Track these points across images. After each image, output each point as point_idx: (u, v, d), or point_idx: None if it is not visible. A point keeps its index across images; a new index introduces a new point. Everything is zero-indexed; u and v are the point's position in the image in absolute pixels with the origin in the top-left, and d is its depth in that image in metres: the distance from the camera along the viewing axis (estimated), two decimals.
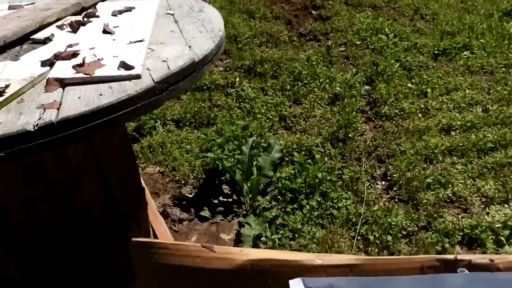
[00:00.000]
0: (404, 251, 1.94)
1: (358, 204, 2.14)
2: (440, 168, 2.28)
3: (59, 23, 1.47)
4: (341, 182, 2.25)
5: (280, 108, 2.76)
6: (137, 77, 1.03)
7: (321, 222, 2.06)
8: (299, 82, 2.97)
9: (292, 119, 2.70)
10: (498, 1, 3.83)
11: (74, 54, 1.13)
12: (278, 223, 2.04)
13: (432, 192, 2.17)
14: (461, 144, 2.39)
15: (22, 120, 0.89)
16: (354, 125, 2.54)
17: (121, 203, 1.55)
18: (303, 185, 2.14)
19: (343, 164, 2.35)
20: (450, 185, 2.18)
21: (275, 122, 2.68)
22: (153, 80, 1.02)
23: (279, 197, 2.14)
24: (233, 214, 2.11)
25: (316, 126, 2.61)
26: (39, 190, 1.34)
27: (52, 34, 1.34)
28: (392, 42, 3.33)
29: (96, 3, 1.70)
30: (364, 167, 2.34)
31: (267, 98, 2.87)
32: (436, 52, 3.22)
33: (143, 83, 1.02)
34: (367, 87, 2.94)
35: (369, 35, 3.44)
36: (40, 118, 0.89)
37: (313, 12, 4.01)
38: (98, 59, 1.11)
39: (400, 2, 3.92)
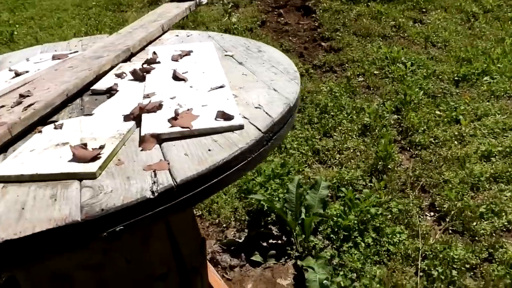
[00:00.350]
0: (471, 285, 1.84)
1: (413, 238, 2.05)
2: (488, 196, 2.22)
3: (115, 71, 1.39)
4: (390, 216, 2.16)
5: (311, 142, 2.69)
6: (240, 127, 0.95)
7: (378, 259, 1.96)
8: (326, 115, 2.92)
9: (326, 152, 2.62)
10: (506, 27, 3.89)
11: (160, 106, 1.04)
12: (334, 263, 1.94)
13: (486, 222, 2.09)
14: (505, 170, 2.33)
15: (135, 186, 0.79)
16: (392, 156, 2.48)
17: (187, 258, 1.43)
18: (356, 221, 2.04)
19: (389, 197, 2.27)
20: (504, 214, 2.11)
21: (309, 156, 2.60)
22: (260, 130, 0.94)
23: (332, 235, 2.04)
24: (286, 257, 1.99)
25: (352, 159, 2.54)
26: (109, 254, 1.22)
27: (116, 84, 1.26)
28: (410, 70, 3.32)
29: (143, 48, 1.63)
30: (411, 198, 2.26)
31: (296, 132, 2.80)
32: (456, 78, 3.21)
33: (249, 134, 0.93)
34: (395, 116, 2.90)
35: (386, 65, 3.44)
36: (155, 183, 0.79)
37: (323, 44, 4.01)
38: (188, 109, 1.02)
39: (409, 31, 3.95)
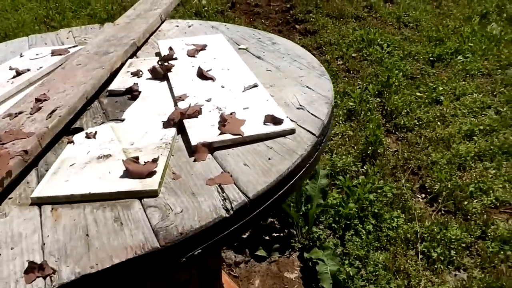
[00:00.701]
0: (468, 263, 1.93)
1: (410, 221, 2.11)
2: (475, 175, 2.32)
3: (128, 68, 1.30)
4: (385, 200, 2.21)
5: None
6: (292, 132, 0.91)
7: (380, 245, 2.01)
8: None
9: None
10: (473, 5, 4.02)
11: (200, 110, 0.99)
12: (338, 252, 1.96)
13: (476, 200, 2.19)
14: (487, 148, 2.44)
15: (206, 204, 0.74)
16: (381, 140, 2.52)
17: (208, 261, 1.40)
18: (356, 209, 2.08)
19: (382, 182, 2.31)
20: (491, 191, 2.22)
21: None
22: (314, 134, 0.91)
23: (333, 225, 2.06)
24: (290, 249, 2.00)
25: (342, 145, 2.57)
26: None
27: (136, 84, 1.18)
28: (386, 52, 3.37)
29: (146, 41, 1.54)
30: (402, 182, 2.32)
31: None
32: (431, 59, 3.30)
33: (303, 138, 0.90)
34: (378, 99, 2.94)
35: (363, 47, 3.46)
36: (225, 199, 0.75)
37: (297, 26, 3.98)
38: (231, 113, 0.97)
39: (381, 11, 4.00)
